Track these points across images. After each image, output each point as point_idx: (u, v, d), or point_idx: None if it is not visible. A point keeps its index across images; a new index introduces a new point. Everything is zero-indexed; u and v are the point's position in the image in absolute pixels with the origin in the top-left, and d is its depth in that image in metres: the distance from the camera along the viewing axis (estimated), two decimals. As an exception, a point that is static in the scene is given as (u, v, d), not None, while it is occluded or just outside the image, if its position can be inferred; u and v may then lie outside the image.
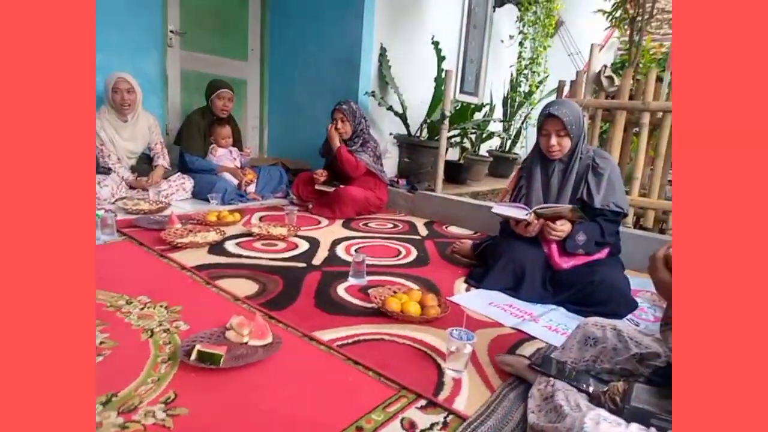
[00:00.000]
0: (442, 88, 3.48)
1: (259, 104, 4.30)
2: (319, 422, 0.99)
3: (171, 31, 3.52)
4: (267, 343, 1.26)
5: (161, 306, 1.46)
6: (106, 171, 2.80)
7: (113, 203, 2.62)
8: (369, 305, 1.60)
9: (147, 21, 3.37)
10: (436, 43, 3.81)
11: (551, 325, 1.58)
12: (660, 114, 2.65)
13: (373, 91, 3.63)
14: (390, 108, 3.64)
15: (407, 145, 3.75)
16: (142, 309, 1.43)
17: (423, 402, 1.09)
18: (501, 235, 2.07)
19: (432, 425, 1.02)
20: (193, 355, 1.15)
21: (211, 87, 3.17)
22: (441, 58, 3.81)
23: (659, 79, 2.70)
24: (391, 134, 3.80)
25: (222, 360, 1.14)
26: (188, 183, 3.05)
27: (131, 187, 2.86)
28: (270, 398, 1.06)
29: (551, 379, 1.08)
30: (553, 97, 3.53)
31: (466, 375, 1.22)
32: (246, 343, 1.26)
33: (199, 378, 1.11)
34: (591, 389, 1.01)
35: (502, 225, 2.06)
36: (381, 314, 1.53)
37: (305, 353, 1.28)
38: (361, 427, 0.99)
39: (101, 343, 1.22)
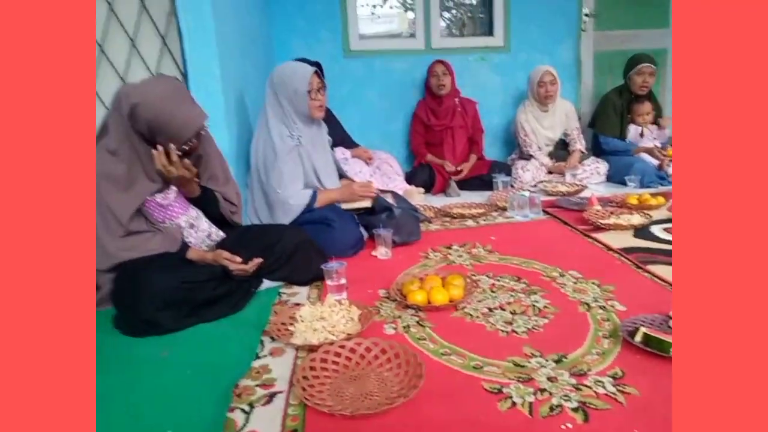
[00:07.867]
0: None
1: (682, 73, 3.73)
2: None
3: (585, 15, 3.51)
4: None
5: (593, 283, 1.48)
6: (528, 158, 3.09)
7: (534, 186, 2.87)
8: None
9: (563, 11, 3.48)
10: None
11: None
12: None
13: None
14: None
15: None
16: (575, 283, 1.49)
17: None
18: None
19: None
20: (638, 337, 1.10)
21: (631, 62, 2.98)
22: None
23: None
24: None
25: (671, 349, 1.04)
26: (602, 167, 2.98)
27: (549, 172, 3.05)
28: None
29: None
30: None
31: None
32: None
33: (645, 362, 1.05)
34: None
35: None
36: None
37: None
38: None
39: (545, 306, 1.35)
